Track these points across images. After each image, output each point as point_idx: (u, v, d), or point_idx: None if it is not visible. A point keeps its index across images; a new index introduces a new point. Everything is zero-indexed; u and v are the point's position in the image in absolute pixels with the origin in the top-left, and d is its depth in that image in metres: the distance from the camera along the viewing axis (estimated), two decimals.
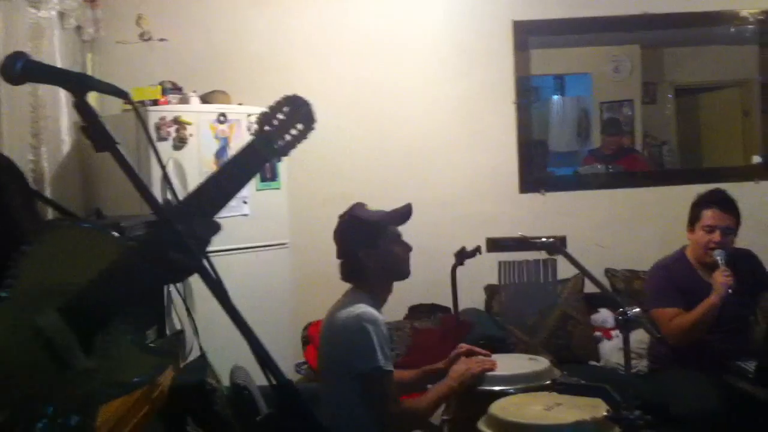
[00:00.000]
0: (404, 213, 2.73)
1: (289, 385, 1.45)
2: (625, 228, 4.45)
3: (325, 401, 2.62)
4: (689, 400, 3.27)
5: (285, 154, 1.50)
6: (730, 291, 3.34)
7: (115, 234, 1.47)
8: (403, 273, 2.73)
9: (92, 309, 1.38)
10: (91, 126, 1.39)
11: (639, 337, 3.86)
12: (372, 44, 4.43)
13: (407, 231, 2.76)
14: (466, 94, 4.40)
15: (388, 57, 4.42)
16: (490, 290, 4.19)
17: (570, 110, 5.21)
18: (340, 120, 4.39)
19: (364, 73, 4.41)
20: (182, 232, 1.34)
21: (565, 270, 3.14)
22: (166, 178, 1.57)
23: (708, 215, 3.53)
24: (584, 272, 2.60)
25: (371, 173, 4.36)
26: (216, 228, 1.45)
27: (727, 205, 3.55)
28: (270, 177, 3.94)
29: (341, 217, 2.73)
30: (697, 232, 3.57)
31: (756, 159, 4.55)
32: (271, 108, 1.50)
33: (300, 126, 1.49)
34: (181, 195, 1.48)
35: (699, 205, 3.61)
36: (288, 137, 1.49)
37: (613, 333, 3.93)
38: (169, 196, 1.57)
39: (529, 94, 4.70)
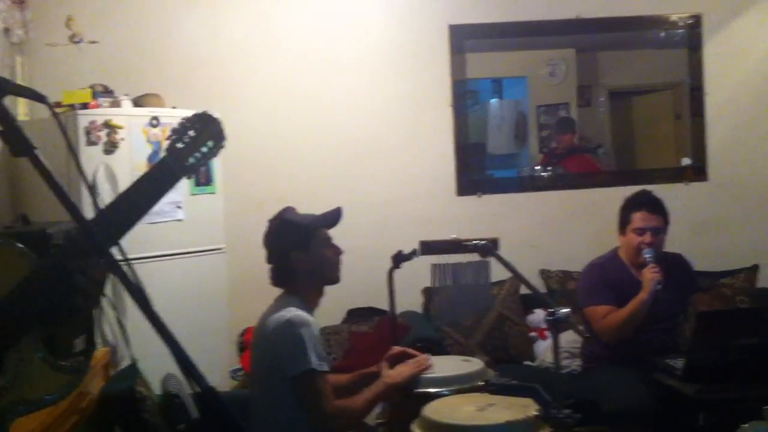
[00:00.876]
0: (334, 216, 2.73)
1: (211, 391, 1.43)
2: (560, 229, 4.52)
3: (257, 406, 2.60)
4: (620, 397, 3.33)
5: (195, 171, 1.52)
6: (659, 287, 3.42)
7: (25, 249, 1.43)
8: (334, 277, 2.73)
9: (2, 326, 1.35)
10: (7, 130, 1.36)
11: (573, 336, 3.91)
12: (308, 47, 4.41)
13: (344, 234, 2.76)
14: (402, 97, 4.41)
15: (324, 60, 4.41)
16: (428, 293, 4.20)
17: (508, 113, 5.26)
18: (276, 123, 4.36)
19: (300, 75, 4.39)
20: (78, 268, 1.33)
21: (501, 272, 3.16)
22: (87, 184, 1.54)
23: (637, 217, 3.60)
24: (515, 273, 2.62)
25: (308, 176, 4.34)
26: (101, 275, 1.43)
27: (655, 206, 3.63)
28: (205, 181, 3.89)
29: (271, 221, 2.72)
30: (628, 234, 3.63)
31: (686, 161, 4.66)
32: (182, 125, 1.51)
33: (210, 143, 1.51)
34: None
35: (628, 208, 3.67)
36: (198, 154, 1.50)
37: (548, 333, 3.98)
38: (100, 204, 1.54)
39: (465, 97, 4.75)
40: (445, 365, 2.96)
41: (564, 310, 2.42)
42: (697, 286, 3.89)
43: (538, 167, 4.91)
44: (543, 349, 4.04)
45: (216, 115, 1.53)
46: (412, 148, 4.42)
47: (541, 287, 4.36)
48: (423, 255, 2.73)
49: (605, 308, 3.54)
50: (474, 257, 2.71)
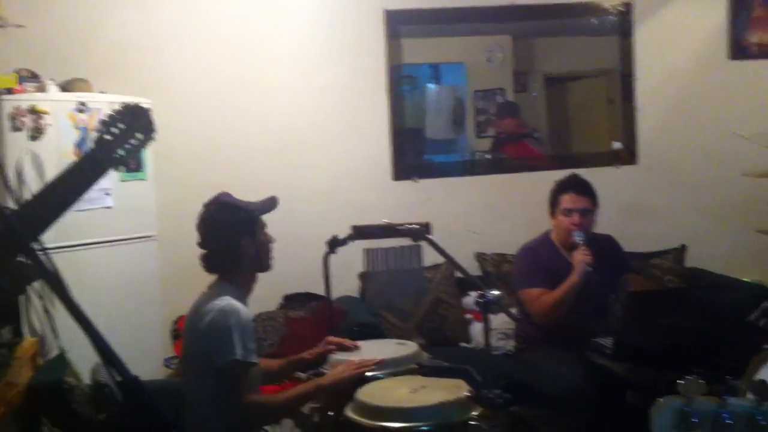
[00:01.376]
0: (271, 204, 2.71)
1: (134, 381, 1.42)
2: (496, 213, 4.56)
3: (189, 394, 2.57)
4: (553, 377, 3.39)
5: (125, 163, 1.49)
6: (589, 269, 3.49)
7: None
8: (268, 265, 2.72)
9: None
10: None
11: (507, 318, 3.98)
12: (241, 32, 4.34)
13: (281, 220, 2.74)
14: (338, 83, 4.39)
15: (258, 46, 4.35)
16: (365, 278, 4.21)
17: (445, 99, 5.28)
18: (210, 110, 4.31)
19: (233, 62, 4.32)
20: None
21: (437, 255, 3.18)
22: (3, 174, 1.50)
23: (566, 199, 3.68)
24: (446, 257, 2.64)
25: (242, 163, 4.29)
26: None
27: (582, 188, 3.71)
28: (135, 168, 3.81)
29: (209, 205, 2.67)
30: (557, 216, 3.71)
31: (616, 145, 4.75)
32: (111, 117, 1.48)
33: (140, 135, 1.49)
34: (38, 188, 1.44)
35: (557, 191, 3.75)
36: (128, 146, 1.47)
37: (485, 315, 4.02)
38: (24, 193, 1.51)
39: (403, 82, 4.75)
40: (379, 349, 2.97)
41: (494, 293, 2.44)
42: (629, 267, 3.97)
43: (486, 153, 4.94)
44: (478, 331, 4.09)
45: (146, 105, 1.51)
46: (347, 133, 4.40)
47: (476, 270, 4.41)
48: (355, 240, 2.72)
49: (538, 291, 3.61)
50: (407, 241, 2.72)
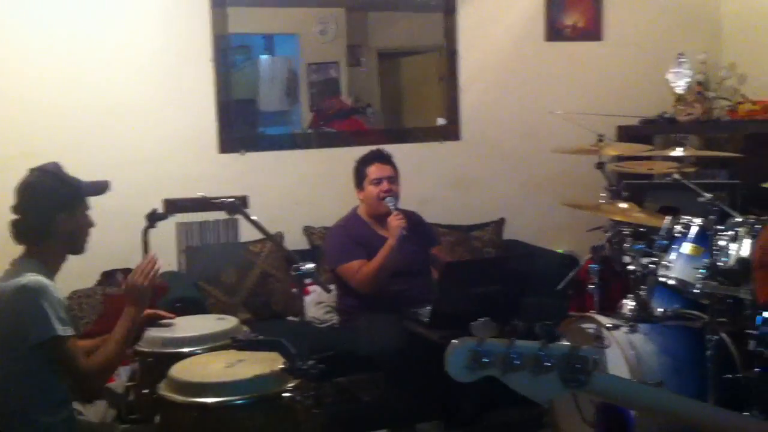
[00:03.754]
0: (102, 186, 2.63)
1: None
2: (325, 187, 4.58)
3: None
4: (374, 346, 3.50)
5: None
6: (404, 232, 3.63)
7: None
8: (83, 248, 2.63)
9: None
10: None
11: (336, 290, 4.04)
12: None
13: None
14: (160, 51, 4.22)
15: (75, 11, 4.10)
16: (187, 252, 4.13)
17: (279, 70, 5.24)
18: (24, 77, 4.04)
19: (49, 28, 4.04)
20: None
21: (267, 229, 3.18)
22: None
23: (372, 170, 3.85)
24: (261, 230, 2.65)
25: (58, 133, 4.04)
26: None
27: (385, 158, 3.91)
28: None
29: (33, 170, 2.53)
30: (366, 188, 3.86)
31: (440, 121, 4.89)
32: None
33: None
34: None
35: (361, 164, 3.91)
36: None
37: (311, 288, 4.07)
38: None
39: (235, 52, 4.66)
40: (197, 324, 2.95)
41: (308, 265, 2.48)
42: (435, 239, 4.16)
43: (309, 128, 4.95)
44: (306, 304, 4.12)
45: None
46: (170, 103, 4.25)
47: (305, 244, 4.43)
48: (167, 214, 2.67)
49: (357, 263, 3.71)
50: (225, 215, 2.70)
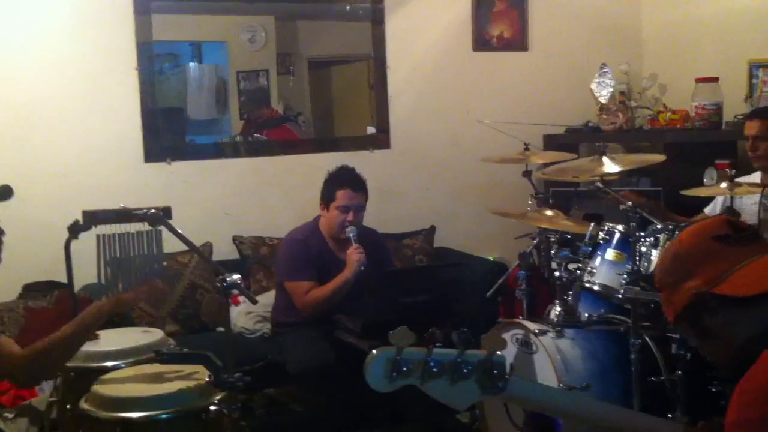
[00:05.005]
0: (3, 193, 2.53)
1: None
2: (255, 196, 4.54)
3: None
4: (303, 357, 3.48)
5: None
6: (362, 268, 3.55)
7: None
8: None
9: None
10: None
11: (265, 300, 4.00)
12: None
13: (18, 205, 2.59)
14: (83, 57, 4.10)
15: None
16: (117, 263, 4.03)
17: (207, 78, 5.19)
18: None
19: None
20: None
21: (193, 240, 3.12)
22: None
23: (342, 195, 3.67)
24: (185, 242, 2.61)
25: None
26: None
27: (358, 184, 3.74)
28: None
29: None
30: (331, 211, 3.70)
31: (371, 130, 4.90)
32: None
33: None
34: None
35: (332, 183, 3.73)
36: None
37: (240, 299, 4.02)
38: None
39: (161, 60, 4.59)
40: (122, 338, 2.90)
41: (234, 277, 2.45)
42: (390, 261, 4.09)
43: (239, 137, 4.91)
44: (235, 314, 4.07)
45: None
46: (93, 112, 4.14)
47: (234, 254, 4.38)
48: (87, 225, 2.60)
49: (307, 284, 3.62)
50: (144, 226, 2.64)
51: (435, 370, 1.40)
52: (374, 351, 1.41)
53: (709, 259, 1.50)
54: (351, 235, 3.62)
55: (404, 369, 1.39)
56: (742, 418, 1.35)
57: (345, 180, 3.73)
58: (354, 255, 3.57)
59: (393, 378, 1.39)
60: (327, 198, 3.73)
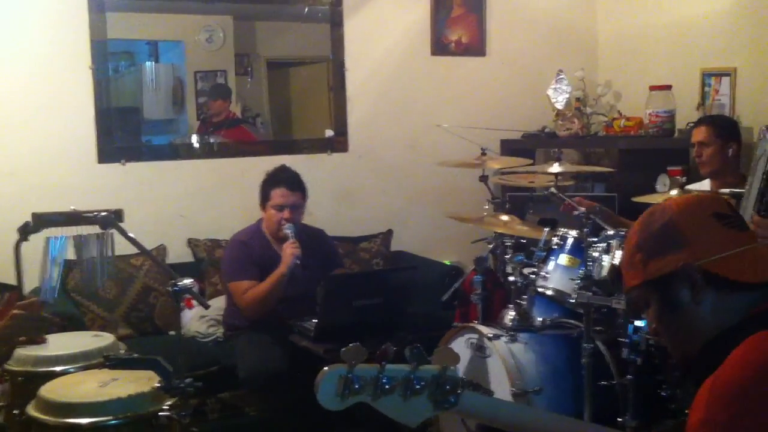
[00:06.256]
0: None
1: None
2: (211, 198, 4.49)
3: None
4: (255, 361, 3.45)
5: None
6: (297, 261, 3.56)
7: None
8: None
9: None
10: None
11: (219, 304, 3.97)
12: None
13: None
14: (35, 57, 4.01)
15: None
16: (68, 266, 3.97)
17: (164, 77, 5.12)
18: None
19: None
20: None
21: (147, 242, 3.08)
22: None
23: (277, 194, 3.72)
24: (136, 245, 2.57)
25: None
26: None
27: (293, 183, 3.77)
28: None
29: None
30: (268, 210, 3.75)
31: (329, 132, 4.88)
32: None
33: None
34: None
35: (267, 184, 3.78)
36: None
37: (194, 302, 3.98)
38: None
39: (116, 58, 4.51)
40: (72, 342, 2.85)
41: (185, 281, 2.43)
42: (338, 262, 4.10)
43: (195, 136, 4.85)
44: (189, 318, 4.03)
45: None
46: (45, 112, 4.06)
47: (189, 256, 4.34)
48: (37, 228, 2.55)
49: (247, 283, 3.63)
50: (95, 229, 2.60)
51: (387, 386, 1.39)
52: (325, 368, 1.40)
53: (707, 235, 1.43)
54: (288, 231, 3.65)
55: (356, 386, 1.38)
56: (710, 418, 1.27)
57: (279, 179, 3.77)
58: (288, 249, 3.60)
59: (345, 395, 1.38)
60: (263, 198, 3.78)
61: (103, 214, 2.48)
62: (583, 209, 3.13)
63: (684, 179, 3.39)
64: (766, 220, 2.29)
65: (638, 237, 1.50)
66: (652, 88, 4.64)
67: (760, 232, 2.28)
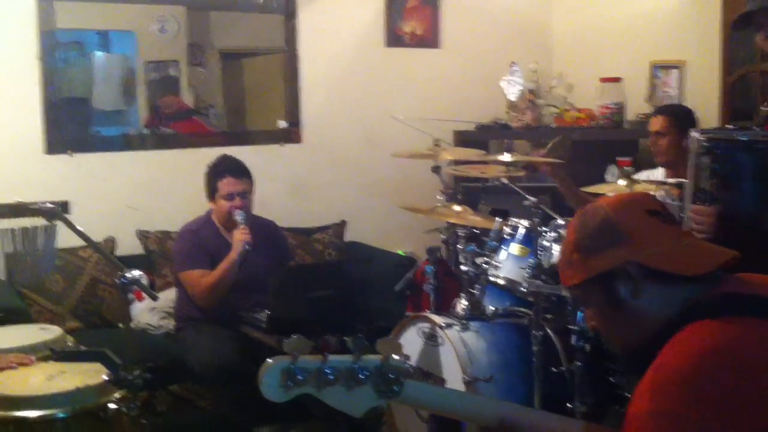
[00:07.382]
0: None
1: None
2: (162, 190, 4.44)
3: None
4: (205, 353, 3.43)
5: None
6: (247, 247, 3.55)
7: None
8: None
9: None
10: None
11: (170, 296, 3.93)
12: None
13: None
14: None
15: None
16: (12, 259, 3.89)
17: (115, 68, 5.03)
18: None
19: None
20: None
21: (96, 234, 3.04)
22: None
23: (224, 184, 3.70)
24: (83, 237, 2.53)
25: None
26: None
27: (238, 171, 3.75)
28: None
29: None
30: (218, 201, 3.72)
31: (282, 124, 4.86)
32: None
33: None
34: None
35: (212, 175, 3.75)
36: None
37: (144, 294, 3.92)
38: None
39: (64, 48, 4.42)
40: (18, 335, 2.81)
41: (134, 273, 2.41)
42: (289, 255, 4.10)
43: (146, 129, 4.79)
44: (139, 310, 3.99)
45: None
46: None
47: (139, 248, 4.28)
48: None
49: (199, 272, 3.61)
50: (40, 221, 2.55)
51: (331, 377, 1.41)
52: (269, 360, 1.40)
53: (643, 230, 1.45)
54: (239, 218, 3.63)
55: (299, 378, 1.39)
56: (657, 408, 1.27)
57: (224, 169, 3.74)
58: (238, 235, 3.59)
59: (288, 387, 1.39)
60: (211, 190, 3.75)
61: (49, 205, 2.43)
62: (534, 199, 3.16)
63: (632, 169, 3.43)
64: (701, 207, 2.33)
65: (575, 236, 1.52)
66: (603, 80, 4.70)
67: (697, 219, 2.32)
